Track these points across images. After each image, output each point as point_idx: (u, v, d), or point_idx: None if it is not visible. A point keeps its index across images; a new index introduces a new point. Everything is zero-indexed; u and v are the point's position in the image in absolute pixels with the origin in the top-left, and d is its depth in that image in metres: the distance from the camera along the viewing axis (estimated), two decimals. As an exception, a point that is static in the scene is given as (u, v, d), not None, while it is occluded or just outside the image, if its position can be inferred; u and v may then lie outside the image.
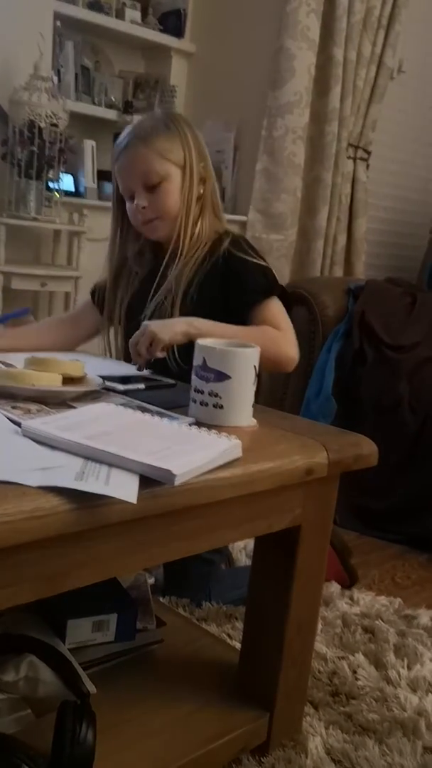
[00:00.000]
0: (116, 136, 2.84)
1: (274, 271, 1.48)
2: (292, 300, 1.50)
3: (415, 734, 1.23)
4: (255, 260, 1.45)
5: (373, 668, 1.41)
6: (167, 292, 1.44)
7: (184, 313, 1.40)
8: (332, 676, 1.38)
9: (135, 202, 1.45)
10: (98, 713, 0.96)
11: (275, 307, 1.44)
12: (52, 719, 0.95)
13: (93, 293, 1.62)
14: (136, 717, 1.08)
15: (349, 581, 1.75)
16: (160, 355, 1.29)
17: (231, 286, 1.43)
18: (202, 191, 1.47)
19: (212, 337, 1.15)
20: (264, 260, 1.47)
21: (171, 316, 1.40)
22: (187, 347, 1.36)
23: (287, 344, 1.39)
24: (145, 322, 1.30)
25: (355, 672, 1.39)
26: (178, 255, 1.45)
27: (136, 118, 2.88)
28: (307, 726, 1.22)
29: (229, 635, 1.46)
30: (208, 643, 1.32)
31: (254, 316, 1.41)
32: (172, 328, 1.28)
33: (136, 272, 1.56)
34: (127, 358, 1.47)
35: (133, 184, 1.45)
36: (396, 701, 1.31)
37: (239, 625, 1.47)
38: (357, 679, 1.37)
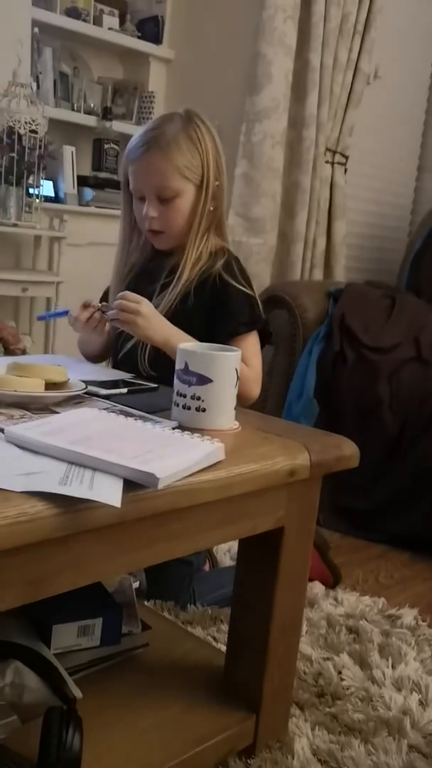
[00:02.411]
0: (96, 141, 2.89)
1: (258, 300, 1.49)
2: (269, 333, 1.54)
3: (400, 733, 1.24)
4: (243, 288, 1.45)
5: (358, 668, 1.42)
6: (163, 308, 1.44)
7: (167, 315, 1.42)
8: (318, 677, 1.39)
9: (144, 209, 1.44)
10: (84, 718, 0.96)
11: (251, 345, 1.46)
12: (39, 725, 0.94)
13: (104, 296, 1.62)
14: (122, 721, 1.08)
15: (332, 580, 1.76)
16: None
17: (216, 309, 1.44)
18: (212, 208, 1.46)
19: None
20: (251, 288, 1.48)
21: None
22: (155, 357, 1.39)
23: (253, 385, 1.45)
24: (147, 304, 1.33)
25: (340, 672, 1.40)
26: (180, 270, 1.44)
27: (116, 124, 2.91)
28: (293, 727, 1.23)
29: (214, 638, 1.47)
30: (193, 646, 1.32)
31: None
32: (150, 334, 1.32)
33: (132, 264, 1.56)
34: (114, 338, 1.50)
35: (146, 190, 1.44)
36: (381, 701, 1.32)
37: (224, 627, 1.47)
38: (342, 679, 1.38)
